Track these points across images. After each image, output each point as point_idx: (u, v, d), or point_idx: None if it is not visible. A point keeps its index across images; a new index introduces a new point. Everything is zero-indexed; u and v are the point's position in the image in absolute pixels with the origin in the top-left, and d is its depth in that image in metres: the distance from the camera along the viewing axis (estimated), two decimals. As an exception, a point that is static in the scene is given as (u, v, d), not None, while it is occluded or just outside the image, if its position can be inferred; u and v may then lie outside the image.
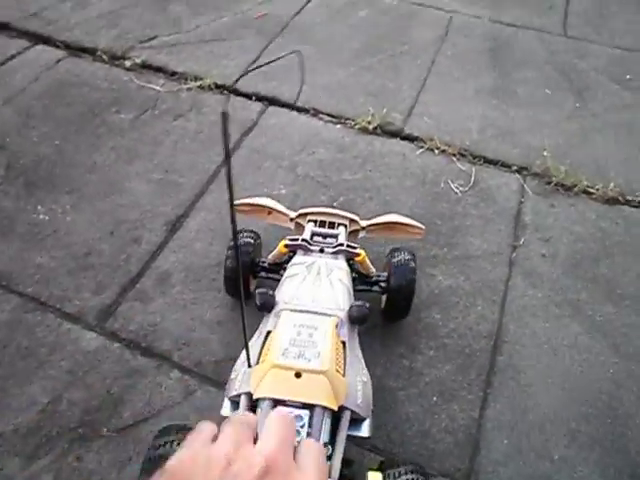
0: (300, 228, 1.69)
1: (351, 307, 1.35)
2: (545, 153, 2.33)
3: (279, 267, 1.61)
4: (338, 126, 2.42)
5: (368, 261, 1.61)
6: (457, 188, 2.19)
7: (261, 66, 0.85)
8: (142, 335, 1.64)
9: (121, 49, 2.74)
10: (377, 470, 1.12)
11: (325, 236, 1.62)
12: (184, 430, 1.16)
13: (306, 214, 1.70)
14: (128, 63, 2.64)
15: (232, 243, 1.63)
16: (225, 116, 0.80)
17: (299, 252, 1.55)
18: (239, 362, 1.27)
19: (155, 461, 1.09)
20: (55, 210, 1.98)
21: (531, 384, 1.62)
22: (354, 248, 1.54)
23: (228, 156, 0.85)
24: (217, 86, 2.55)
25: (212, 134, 2.30)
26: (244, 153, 2.25)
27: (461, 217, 2.08)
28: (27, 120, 2.32)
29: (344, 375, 1.20)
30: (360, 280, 1.64)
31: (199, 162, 2.18)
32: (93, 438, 1.42)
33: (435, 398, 1.57)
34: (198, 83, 2.54)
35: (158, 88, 2.53)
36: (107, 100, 2.45)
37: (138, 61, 2.65)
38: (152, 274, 1.81)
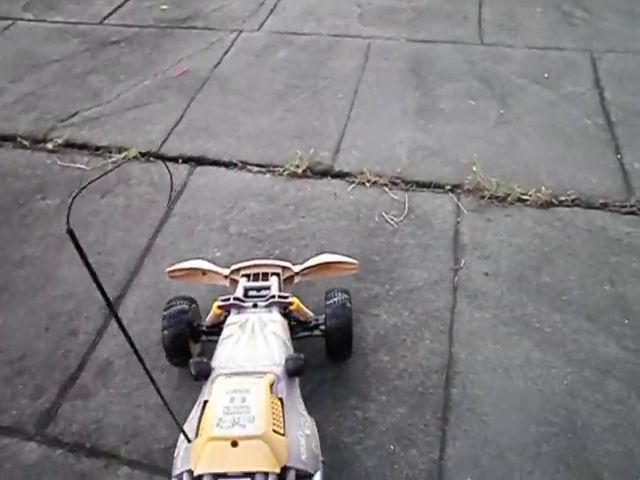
0: (235, 284, 1.70)
1: (286, 361, 1.35)
2: (474, 168, 2.34)
3: (218, 328, 1.60)
4: (267, 175, 2.41)
5: (304, 307, 1.62)
6: (392, 219, 2.18)
7: (94, 180, 0.84)
8: (86, 435, 1.58)
9: (42, 131, 2.71)
10: None
11: (259, 289, 1.63)
12: None
13: (239, 269, 1.72)
14: (50, 145, 2.61)
15: (165, 312, 1.64)
16: (72, 235, 0.78)
17: (233, 311, 1.56)
18: (180, 440, 1.25)
19: None
20: (-16, 315, 1.92)
21: (488, 413, 1.60)
22: (286, 297, 1.56)
23: (96, 278, 0.84)
24: (142, 154, 2.53)
25: (141, 206, 2.28)
26: (175, 221, 2.22)
27: (399, 249, 2.07)
28: (-49, 224, 2.27)
29: (284, 434, 1.18)
30: (300, 327, 1.65)
31: (130, 238, 2.15)
32: None
33: (392, 447, 1.54)
34: (123, 155, 2.51)
35: (83, 166, 2.49)
36: (31, 187, 2.41)
37: (60, 141, 2.62)
38: (92, 366, 1.76)
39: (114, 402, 1.66)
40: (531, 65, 3.04)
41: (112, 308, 0.92)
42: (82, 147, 2.62)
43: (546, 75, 2.97)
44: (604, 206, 2.22)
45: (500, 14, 3.53)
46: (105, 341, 1.83)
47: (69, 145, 2.63)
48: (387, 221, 2.17)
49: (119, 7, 3.80)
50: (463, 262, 2.02)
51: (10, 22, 3.61)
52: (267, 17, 3.62)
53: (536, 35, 3.29)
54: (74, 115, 2.81)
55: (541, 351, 1.75)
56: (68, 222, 0.78)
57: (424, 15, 3.56)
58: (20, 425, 1.61)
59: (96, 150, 2.60)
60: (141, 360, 1.01)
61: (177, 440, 1.26)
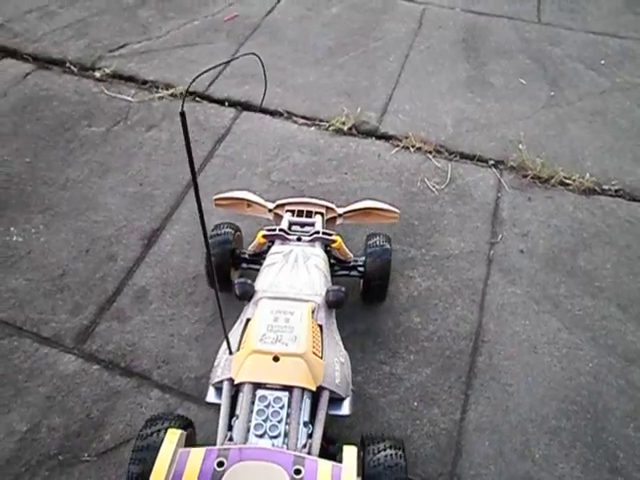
0: (278, 219, 1.75)
1: (327, 292, 1.42)
2: (520, 146, 2.32)
3: (259, 257, 1.66)
4: (312, 128, 2.40)
5: (345, 247, 1.67)
6: (434, 186, 2.18)
7: (216, 66, 0.88)
8: (120, 355, 1.63)
9: (90, 59, 2.70)
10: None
11: (302, 225, 1.68)
12: (171, 419, 1.19)
13: (284, 204, 1.76)
14: (98, 74, 2.60)
15: (213, 238, 1.68)
16: (183, 116, 0.83)
17: (277, 242, 1.61)
18: (221, 351, 1.33)
19: (144, 450, 1.12)
20: (28, 230, 1.95)
21: (512, 383, 1.63)
22: (330, 235, 1.61)
23: (190, 154, 0.89)
24: (189, 93, 2.52)
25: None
26: (218, 162, 2.23)
27: (438, 216, 2.07)
28: (-4, 138, 2.29)
29: (322, 357, 1.26)
30: (339, 266, 1.71)
31: (173, 173, 2.16)
32: (74, 464, 1.41)
33: (416, 403, 1.57)
34: (170, 91, 2.51)
35: (129, 98, 2.50)
36: (78, 113, 2.41)
37: (108, 71, 2.61)
38: (129, 291, 1.80)
39: (148, 328, 1.70)
40: (588, 50, 2.97)
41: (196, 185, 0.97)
42: (129, 79, 2.62)
43: (602, 62, 2.90)
44: (647, 199, 2.20)
45: (561, -7, 3.42)
46: (142, 270, 1.87)
47: (116, 76, 2.63)
48: (429, 187, 2.17)
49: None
50: (500, 237, 2.02)
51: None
52: (322, -30, 3.53)
53: (596, 20, 3.20)
54: (123, 47, 2.80)
55: (569, 332, 1.77)
56: (183, 105, 0.81)
57: (482, -14, 3.47)
58: (59, 337, 1.66)
59: (143, 84, 2.59)
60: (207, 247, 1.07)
61: (210, 367, 1.32)
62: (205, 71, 0.90)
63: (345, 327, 1.68)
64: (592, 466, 1.47)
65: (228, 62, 0.94)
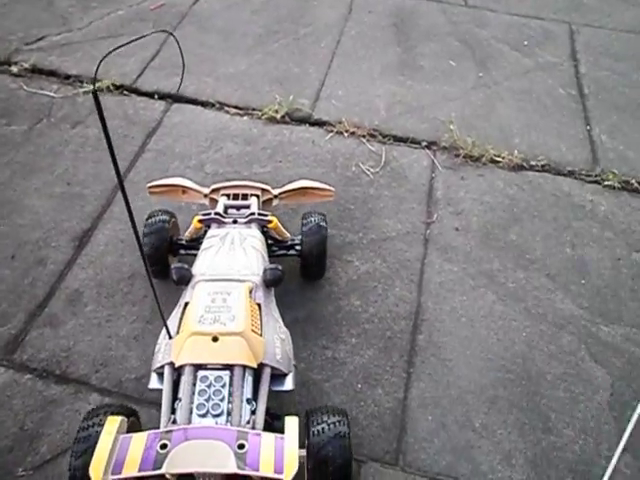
0: (214, 203, 1.75)
1: (265, 270, 1.44)
2: (452, 127, 2.37)
3: (197, 242, 1.66)
4: (245, 118, 2.37)
5: (281, 227, 1.69)
6: (368, 170, 2.20)
7: (124, 45, 0.85)
8: (55, 362, 1.57)
9: (5, 53, 2.57)
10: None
11: (238, 208, 1.70)
12: (111, 410, 1.18)
13: (219, 189, 1.78)
14: (15, 69, 2.48)
15: (146, 222, 1.68)
16: (96, 96, 0.81)
17: (213, 225, 1.62)
18: (161, 336, 1.34)
19: (84, 441, 1.09)
20: (-53, 239, 1.85)
21: (451, 358, 1.68)
22: (265, 216, 1.63)
23: (108, 137, 0.88)
24: (116, 87, 2.44)
25: (114, 139, 2.19)
26: (150, 156, 2.17)
27: (374, 199, 2.10)
28: None
29: (261, 335, 1.29)
30: (276, 246, 1.74)
31: (103, 171, 2.09)
32: None
33: (360, 385, 1.59)
34: (96, 85, 2.41)
35: (52, 94, 2.39)
36: (-4, 112, 2.29)
37: (26, 65, 2.49)
38: (61, 295, 1.73)
39: (84, 332, 1.65)
40: (512, 32, 3.06)
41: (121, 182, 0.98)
42: (50, 74, 2.51)
43: (525, 43, 3.00)
44: (571, 173, 2.29)
45: (485, -24, 3.50)
46: (75, 273, 1.80)
47: (36, 70, 2.51)
48: (364, 171, 2.19)
49: None
50: (435, 216, 2.06)
51: None
52: (248, -44, 3.47)
53: (519, 2, 3.29)
54: (41, 39, 2.67)
55: (504, 304, 1.83)
56: (94, 83, 0.79)
57: (410, -30, 3.50)
58: (-14, 349, 1.58)
59: (66, 78, 2.49)
60: (140, 247, 1.10)
61: (149, 369, 1.30)
62: (114, 49, 0.89)
63: (285, 315, 1.66)
64: (527, 429, 1.54)
65: (138, 39, 0.92)
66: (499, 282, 1.89)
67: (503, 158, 2.30)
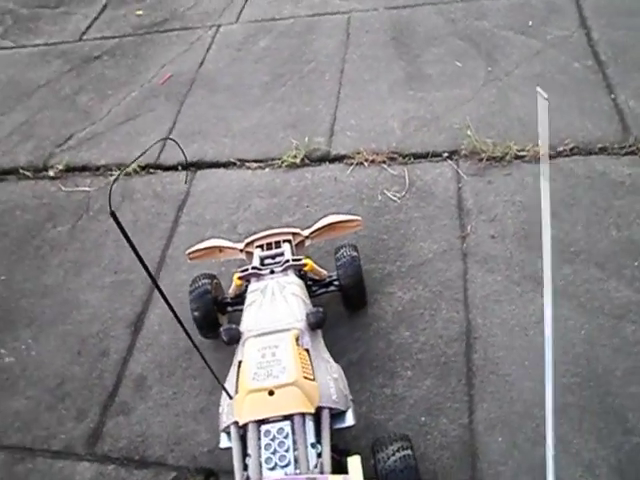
0: (251, 256, 1.84)
1: (307, 315, 1.50)
2: (468, 132, 2.35)
3: (241, 298, 1.74)
4: (266, 170, 2.44)
5: (317, 267, 1.75)
6: (394, 195, 2.21)
7: (134, 161, 0.95)
8: (133, 448, 1.67)
9: (42, 159, 2.76)
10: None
11: (273, 256, 1.77)
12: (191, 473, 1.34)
13: (252, 242, 1.86)
14: (52, 172, 2.66)
15: (191, 294, 1.77)
16: (115, 217, 0.89)
17: (252, 280, 1.70)
18: (222, 397, 1.41)
19: None
20: (18, 348, 2.00)
21: (510, 373, 1.65)
22: (299, 260, 1.69)
23: (134, 249, 0.96)
24: (142, 167, 2.57)
25: (148, 219, 2.33)
26: (184, 229, 2.27)
27: (405, 224, 2.10)
28: (-31, 264, 2.34)
29: (314, 379, 1.35)
30: (316, 285, 1.80)
31: (143, 253, 2.17)
32: None
33: (423, 418, 1.60)
34: (123, 171, 2.56)
35: (87, 189, 2.55)
36: (41, 217, 2.47)
37: (61, 167, 2.67)
38: (128, 382, 1.84)
39: (154, 414, 1.74)
40: (513, 15, 3.00)
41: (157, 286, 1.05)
42: (83, 169, 2.67)
43: (530, 23, 2.93)
44: (603, 150, 2.22)
45: (475, -34, 3.44)
46: (136, 357, 1.91)
47: (70, 169, 2.68)
48: (390, 198, 2.20)
49: (95, 19, 3.79)
50: (469, 228, 2.05)
51: (-9, 53, 3.64)
52: (243, 6, 3.59)
53: (515, -18, 3.22)
54: (70, 138, 2.85)
55: (556, 305, 1.77)
56: (110, 205, 0.86)
57: (399, -21, 3.50)
58: (70, 447, 1.70)
59: (96, 170, 2.65)
60: (185, 330, 1.16)
61: (219, 439, 1.37)
62: (122, 171, 0.98)
63: (339, 360, 1.70)
64: (605, 433, 1.49)
65: (144, 152, 1.01)
66: (547, 282, 1.84)
67: (528, 151, 2.25)
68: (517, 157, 2.25)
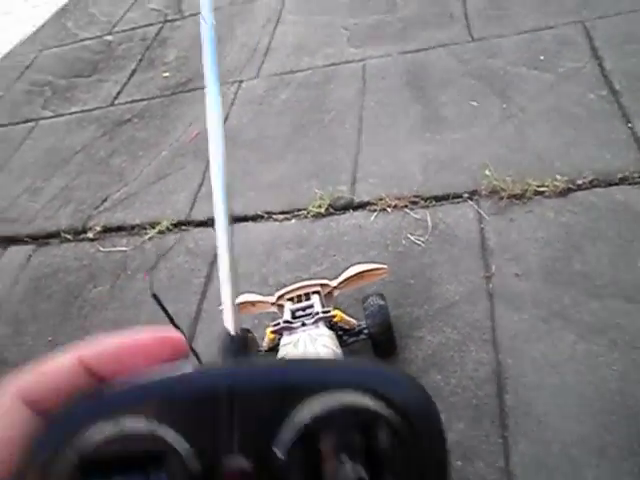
0: (282, 309, 1.90)
1: None
2: (487, 171, 2.40)
3: (275, 351, 1.80)
4: (293, 221, 2.53)
5: (346, 316, 1.82)
6: (418, 239, 2.26)
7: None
8: None
9: (81, 222, 2.91)
10: None
11: (304, 309, 1.82)
12: None
13: (283, 295, 1.92)
14: (91, 234, 2.81)
15: None
16: (157, 297, 0.95)
17: (285, 333, 1.74)
18: None
19: None
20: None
21: (545, 412, 1.66)
22: (328, 312, 1.75)
23: (172, 320, 1.01)
24: (174, 225, 2.69)
25: (183, 276, 2.43)
26: (217, 285, 2.34)
27: (431, 268, 2.15)
28: (18, 326, 2.47)
29: None
30: (346, 335, 1.86)
31: (179, 309, 2.30)
32: None
33: (459, 462, 1.61)
34: (157, 229, 2.68)
35: (123, 248, 2.68)
36: (82, 278, 2.60)
37: (99, 228, 2.82)
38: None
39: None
40: (525, 50, 3.07)
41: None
42: (119, 229, 2.81)
43: (542, 57, 2.99)
44: (623, 180, 2.23)
45: (485, 4, 3.55)
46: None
47: (107, 230, 2.82)
48: (414, 242, 2.26)
49: (125, 84, 4.02)
50: (494, 267, 2.08)
51: (33, 124, 3.88)
52: (263, 61, 3.76)
53: (525, 18, 3.30)
54: (105, 200, 3.01)
55: (585, 341, 1.79)
56: (151, 287, 0.94)
57: (411, 23, 3.63)
58: None
59: (132, 229, 2.78)
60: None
61: None
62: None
63: (372, 409, 1.75)
64: (646, 474, 1.48)
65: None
66: (574, 319, 1.85)
67: (547, 187, 2.28)
68: (537, 193, 2.28)
